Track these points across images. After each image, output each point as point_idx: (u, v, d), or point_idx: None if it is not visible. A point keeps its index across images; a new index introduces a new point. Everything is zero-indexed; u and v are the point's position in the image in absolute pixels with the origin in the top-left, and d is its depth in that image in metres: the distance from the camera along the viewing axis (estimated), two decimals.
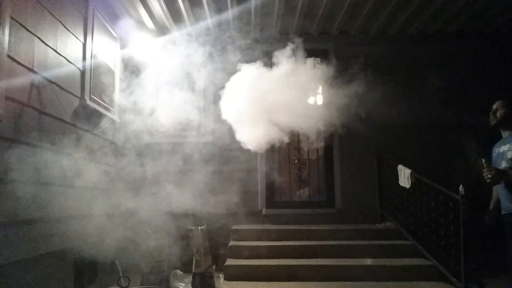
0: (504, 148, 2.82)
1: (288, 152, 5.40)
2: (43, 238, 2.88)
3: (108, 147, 4.22)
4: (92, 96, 3.82)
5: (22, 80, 2.70)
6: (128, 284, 2.97)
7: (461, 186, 3.33)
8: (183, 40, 5.08)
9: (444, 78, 5.32)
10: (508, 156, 2.74)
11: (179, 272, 4.31)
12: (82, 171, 3.61)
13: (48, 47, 3.05)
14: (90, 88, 3.77)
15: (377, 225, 4.85)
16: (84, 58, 3.70)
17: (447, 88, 5.29)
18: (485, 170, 2.66)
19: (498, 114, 2.87)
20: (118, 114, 4.57)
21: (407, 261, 4.00)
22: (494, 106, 2.93)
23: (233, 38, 5.13)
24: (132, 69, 5.06)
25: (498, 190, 2.90)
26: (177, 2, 4.41)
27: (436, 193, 3.78)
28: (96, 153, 3.93)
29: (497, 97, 3.01)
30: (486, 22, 5.03)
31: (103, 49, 4.20)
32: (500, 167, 2.78)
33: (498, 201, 2.94)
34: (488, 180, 2.66)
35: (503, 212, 2.83)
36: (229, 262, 4.01)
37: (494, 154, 2.94)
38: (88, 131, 3.80)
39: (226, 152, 5.17)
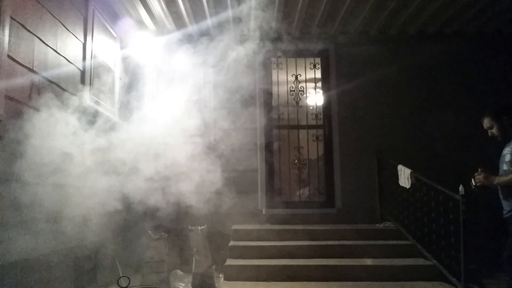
0: (505, 151, 2.85)
1: (288, 152, 5.40)
2: (44, 237, 2.88)
3: (108, 147, 4.21)
4: (92, 96, 3.82)
5: (22, 80, 2.70)
6: (128, 284, 2.97)
7: (461, 186, 3.33)
8: (183, 40, 5.09)
9: (444, 78, 5.33)
10: (507, 159, 2.77)
11: (179, 272, 4.32)
12: (81, 171, 3.61)
13: (48, 47, 3.05)
14: (90, 88, 3.77)
15: (377, 225, 4.85)
16: (84, 58, 3.70)
17: (447, 89, 5.30)
18: (476, 173, 2.75)
19: (494, 132, 2.90)
20: (118, 114, 4.57)
21: (407, 261, 4.00)
22: (485, 125, 2.95)
23: (233, 38, 5.13)
24: (132, 69, 5.07)
25: (500, 193, 2.90)
26: (177, 2, 4.41)
27: (436, 193, 3.78)
28: (96, 153, 3.93)
29: (497, 98, 3.01)
30: (486, 22, 5.03)
31: (103, 49, 4.20)
32: (501, 170, 2.83)
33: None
34: (478, 183, 2.77)
35: (504, 214, 2.84)
36: (229, 262, 4.01)
37: (500, 157, 2.97)
38: (87, 131, 3.79)
39: (226, 152, 5.17)
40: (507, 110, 2.88)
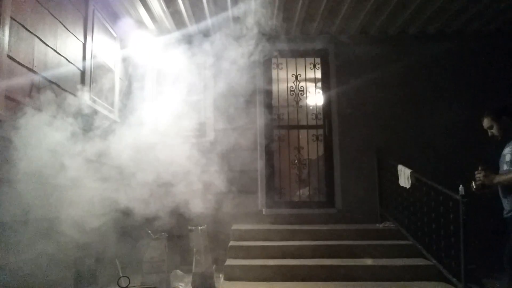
0: (505, 151, 2.85)
1: (288, 152, 5.40)
2: (44, 238, 2.88)
3: (108, 147, 4.22)
4: (92, 96, 3.82)
5: (22, 80, 2.70)
6: (128, 284, 2.97)
7: (461, 186, 3.33)
8: (183, 40, 5.09)
9: (444, 78, 5.33)
10: (507, 159, 2.78)
11: (179, 272, 4.32)
12: (82, 171, 3.61)
13: (48, 47, 3.05)
14: (90, 88, 3.77)
15: (377, 225, 4.85)
16: (84, 58, 3.70)
17: (447, 88, 5.30)
18: (476, 172, 2.75)
19: (494, 131, 2.90)
20: (118, 114, 4.57)
21: (407, 261, 4.00)
22: (485, 125, 2.95)
23: (233, 38, 5.14)
24: (132, 69, 5.07)
25: (500, 193, 2.90)
26: (177, 2, 4.41)
27: (436, 193, 3.78)
28: (96, 153, 3.93)
29: (497, 98, 3.00)
30: (486, 22, 5.03)
31: (103, 49, 4.20)
32: (501, 170, 2.83)
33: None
34: (478, 182, 2.79)
35: (505, 214, 2.84)
36: (229, 262, 4.01)
37: (500, 157, 2.97)
38: (88, 131, 3.79)
39: (226, 152, 5.17)
40: (507, 110, 2.89)
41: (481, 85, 5.21)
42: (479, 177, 2.79)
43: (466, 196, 3.32)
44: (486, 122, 2.95)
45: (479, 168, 2.81)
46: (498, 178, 2.75)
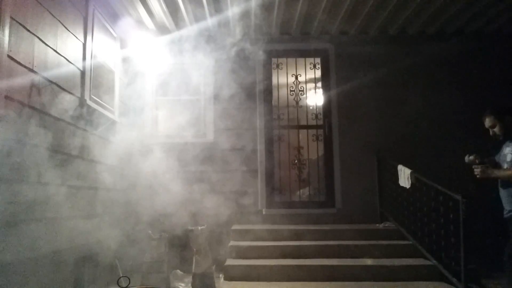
0: (505, 150, 2.86)
1: (288, 152, 5.40)
2: (43, 238, 2.88)
3: (108, 147, 4.22)
4: (92, 96, 3.82)
5: (22, 80, 2.69)
6: (128, 284, 2.97)
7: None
8: (183, 40, 5.09)
9: (444, 78, 5.34)
10: (508, 159, 2.78)
11: (179, 272, 4.32)
12: (82, 171, 3.61)
13: (48, 47, 3.05)
14: (90, 88, 3.77)
15: (377, 225, 4.85)
16: (84, 58, 3.69)
17: (447, 88, 5.30)
18: (474, 166, 2.83)
19: (496, 131, 2.90)
20: (118, 114, 4.57)
21: (407, 261, 4.00)
22: (487, 124, 2.96)
23: (233, 38, 5.14)
24: (132, 69, 5.07)
25: (500, 193, 2.91)
26: (177, 2, 4.40)
27: (436, 193, 3.78)
28: (96, 153, 3.94)
29: (497, 98, 3.01)
30: (486, 22, 5.03)
31: (103, 49, 4.20)
32: None
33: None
34: (477, 176, 2.84)
35: (505, 214, 2.85)
36: (229, 262, 4.01)
37: (500, 156, 2.98)
38: (88, 131, 3.80)
39: (226, 152, 5.17)
40: (510, 110, 2.89)
41: (481, 86, 5.21)
42: (478, 172, 2.81)
43: (466, 196, 3.32)
44: (488, 121, 2.95)
45: (473, 158, 2.85)
46: (497, 173, 2.77)
